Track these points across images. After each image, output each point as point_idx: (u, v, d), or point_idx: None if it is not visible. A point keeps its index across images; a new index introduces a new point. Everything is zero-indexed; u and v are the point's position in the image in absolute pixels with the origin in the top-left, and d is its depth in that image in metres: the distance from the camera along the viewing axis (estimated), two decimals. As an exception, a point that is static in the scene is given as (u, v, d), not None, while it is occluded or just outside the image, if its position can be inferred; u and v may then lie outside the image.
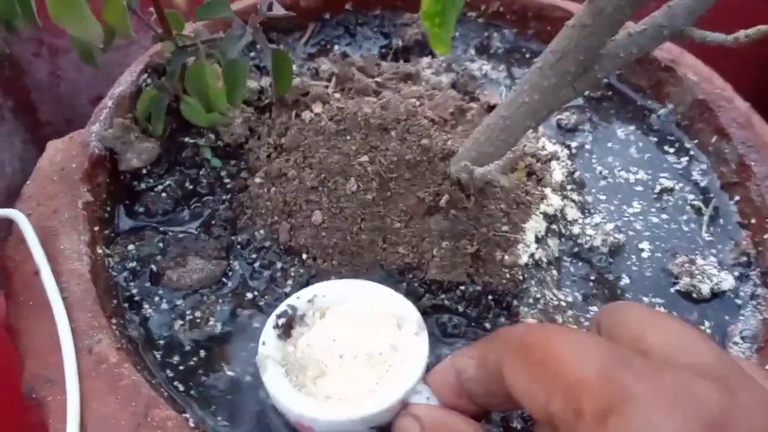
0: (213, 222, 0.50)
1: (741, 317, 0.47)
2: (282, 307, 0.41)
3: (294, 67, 0.60)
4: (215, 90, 0.49)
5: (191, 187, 0.51)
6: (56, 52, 0.92)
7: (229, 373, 0.42)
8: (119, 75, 0.56)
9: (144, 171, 0.51)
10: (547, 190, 0.51)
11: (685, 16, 0.37)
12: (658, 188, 0.54)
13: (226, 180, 0.52)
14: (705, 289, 0.47)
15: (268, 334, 0.40)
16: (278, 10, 0.49)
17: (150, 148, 0.52)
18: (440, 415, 0.36)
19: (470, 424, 0.35)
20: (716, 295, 0.48)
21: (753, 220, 0.51)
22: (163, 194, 0.51)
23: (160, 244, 0.48)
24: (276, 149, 0.51)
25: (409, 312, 0.40)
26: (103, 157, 0.50)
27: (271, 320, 0.40)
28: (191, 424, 0.36)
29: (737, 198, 0.53)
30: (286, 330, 0.40)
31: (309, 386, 0.38)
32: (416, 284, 0.45)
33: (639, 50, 0.39)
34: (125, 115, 0.52)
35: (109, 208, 0.49)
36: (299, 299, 0.41)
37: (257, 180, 0.50)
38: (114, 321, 0.41)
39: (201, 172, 0.52)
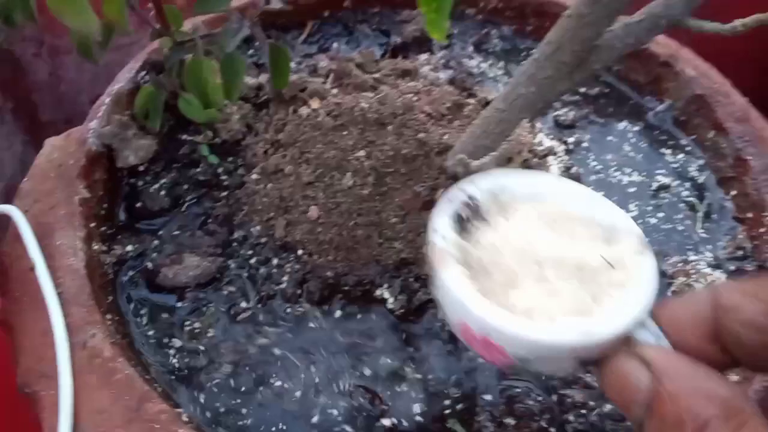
0: (209, 219, 0.49)
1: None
2: (459, 193, 0.35)
3: (292, 64, 0.60)
4: (213, 85, 0.49)
5: (188, 184, 0.51)
6: (57, 52, 0.92)
7: (226, 369, 0.42)
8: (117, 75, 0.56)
9: (141, 168, 0.51)
10: (545, 186, 0.51)
11: (682, 5, 0.37)
12: (654, 186, 0.54)
13: (223, 177, 0.52)
14: (700, 288, 0.47)
15: (443, 223, 0.33)
16: (275, 4, 0.49)
17: (147, 145, 0.52)
18: (685, 367, 0.26)
19: (731, 387, 0.26)
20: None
21: (749, 214, 0.51)
22: (161, 191, 0.51)
23: (156, 241, 0.48)
24: (273, 145, 0.51)
25: (626, 223, 0.33)
26: (101, 154, 0.50)
27: (446, 208, 0.34)
28: (184, 419, 0.36)
29: (734, 193, 0.53)
30: (464, 224, 0.34)
31: (499, 295, 0.31)
32: (412, 279, 0.45)
33: (636, 41, 0.39)
34: (123, 112, 0.52)
35: (106, 205, 0.49)
36: (477, 186, 0.35)
37: (254, 176, 0.50)
38: (109, 317, 0.41)
39: (198, 169, 0.52)
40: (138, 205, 0.50)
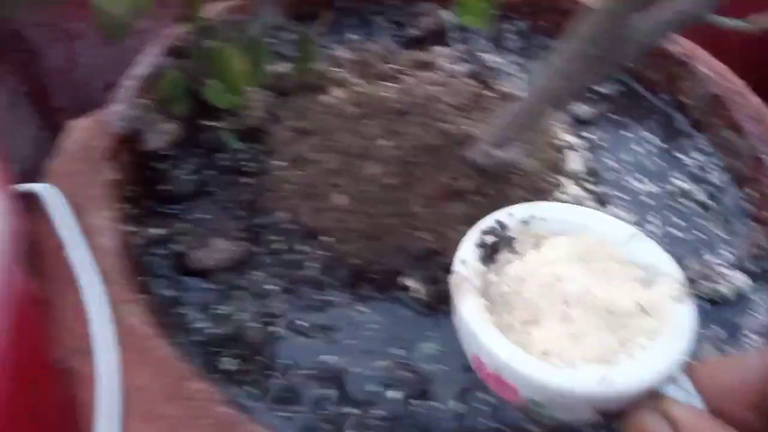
0: (235, 204, 0.50)
1: (751, 312, 0.47)
2: (488, 221, 0.34)
3: (312, 53, 0.61)
4: (237, 72, 0.50)
5: (213, 169, 0.52)
6: (72, 36, 0.92)
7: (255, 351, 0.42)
8: (134, 60, 0.57)
9: (166, 152, 0.52)
10: (564, 179, 0.52)
11: (707, 1, 0.38)
12: (671, 189, 0.55)
13: (248, 162, 0.52)
14: (724, 290, 0.47)
15: (469, 252, 0.32)
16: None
17: (172, 130, 0.52)
18: (714, 429, 0.25)
19: None
20: (733, 295, 0.48)
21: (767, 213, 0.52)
22: (186, 176, 0.51)
23: (183, 225, 0.48)
24: (296, 132, 0.52)
25: (666, 266, 0.31)
26: (126, 137, 0.51)
27: (473, 235, 0.33)
28: (222, 398, 0.36)
29: (751, 192, 0.54)
30: (490, 252, 0.33)
31: (518, 331, 0.30)
32: (438, 269, 0.46)
33: (662, 35, 0.39)
34: (147, 97, 0.53)
35: (132, 188, 0.49)
36: (512, 216, 0.34)
37: (278, 163, 0.51)
38: (142, 297, 0.42)
39: (222, 155, 0.52)
40: (164, 188, 0.50)
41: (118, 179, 0.49)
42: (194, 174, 0.51)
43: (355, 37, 0.67)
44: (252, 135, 0.53)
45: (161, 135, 0.52)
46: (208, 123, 0.54)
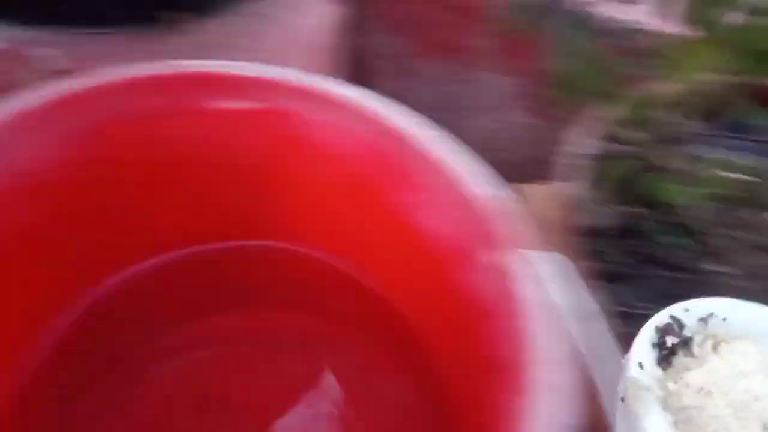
0: (664, 296, 0.52)
1: None
2: (663, 316, 0.31)
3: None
4: (703, 179, 0.53)
5: (643, 256, 0.54)
6: (410, 72, 0.99)
7: None
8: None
9: (603, 232, 0.55)
10: None
11: None
12: None
13: (678, 259, 0.54)
14: None
15: (644, 353, 0.29)
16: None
17: (610, 211, 0.56)
18: None
19: None
20: None
21: None
22: (619, 257, 0.54)
23: (615, 306, 0.51)
24: (740, 243, 0.53)
25: None
26: (572, 212, 0.54)
27: (647, 333, 0.30)
28: None
29: None
30: (667, 354, 0.30)
31: None
32: None
33: None
34: (594, 176, 0.56)
35: (574, 263, 0.53)
36: (688, 313, 0.31)
37: (716, 268, 0.53)
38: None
39: (653, 244, 0.54)
40: (599, 266, 0.53)
41: (567, 252, 0.52)
42: (626, 257, 0.54)
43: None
44: (685, 233, 0.56)
45: (601, 214, 0.55)
46: (640, 211, 0.56)
